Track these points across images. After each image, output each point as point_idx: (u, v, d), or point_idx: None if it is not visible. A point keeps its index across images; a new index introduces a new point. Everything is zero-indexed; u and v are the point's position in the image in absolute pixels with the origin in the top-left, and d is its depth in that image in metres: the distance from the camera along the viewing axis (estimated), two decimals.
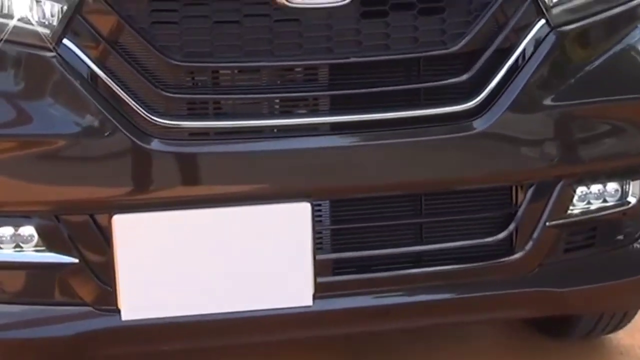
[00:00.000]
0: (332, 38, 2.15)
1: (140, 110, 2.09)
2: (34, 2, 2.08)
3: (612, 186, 2.42)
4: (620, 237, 2.47)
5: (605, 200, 2.43)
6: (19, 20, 2.08)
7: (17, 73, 2.13)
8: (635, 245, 2.48)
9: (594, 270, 2.46)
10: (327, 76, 2.19)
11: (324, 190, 2.21)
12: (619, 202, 2.44)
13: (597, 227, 2.45)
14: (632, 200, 2.44)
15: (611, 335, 3.03)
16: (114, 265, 2.13)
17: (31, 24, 2.08)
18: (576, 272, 2.43)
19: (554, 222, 2.35)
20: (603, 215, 2.41)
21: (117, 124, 2.08)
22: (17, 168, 2.11)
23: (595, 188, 2.40)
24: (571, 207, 2.39)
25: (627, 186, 2.44)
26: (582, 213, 2.41)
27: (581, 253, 2.44)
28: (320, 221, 2.22)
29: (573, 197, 2.37)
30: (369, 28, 2.17)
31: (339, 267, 2.27)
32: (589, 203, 2.41)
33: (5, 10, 2.09)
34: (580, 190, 2.39)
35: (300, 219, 2.17)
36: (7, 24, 2.07)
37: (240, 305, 2.21)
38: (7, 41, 2.08)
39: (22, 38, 2.08)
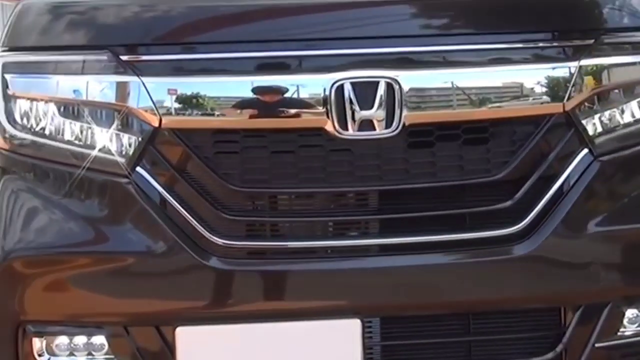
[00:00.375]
0: (381, 166, 2.33)
1: (204, 231, 2.29)
2: (114, 134, 2.33)
3: None
4: None
5: None
6: (99, 150, 2.34)
7: (95, 196, 2.38)
8: None
9: None
10: (377, 201, 2.35)
11: (373, 308, 2.34)
12: None
13: None
14: None
15: None
16: None
17: (110, 153, 2.33)
18: None
19: (603, 344, 2.41)
20: None
21: (182, 244, 2.28)
22: (93, 282, 2.33)
23: None
24: (622, 329, 2.45)
25: None
26: (634, 335, 2.47)
27: None
28: (371, 337, 2.35)
29: (622, 319, 2.44)
30: (416, 157, 2.34)
31: None
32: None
33: (88, 142, 2.35)
34: (631, 312, 2.45)
35: (351, 335, 2.30)
36: (89, 154, 2.33)
37: None
38: (88, 168, 2.34)
39: (101, 166, 2.33)
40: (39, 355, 2.39)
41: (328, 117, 2.28)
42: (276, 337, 2.32)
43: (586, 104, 2.41)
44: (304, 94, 2.29)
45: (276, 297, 2.35)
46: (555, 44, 2.41)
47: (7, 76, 2.41)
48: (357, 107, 2.27)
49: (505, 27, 2.44)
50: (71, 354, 2.39)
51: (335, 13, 2.42)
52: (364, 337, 2.31)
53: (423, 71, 2.33)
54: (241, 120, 2.30)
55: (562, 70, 2.38)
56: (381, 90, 2.28)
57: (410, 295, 2.35)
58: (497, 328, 2.41)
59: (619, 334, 2.45)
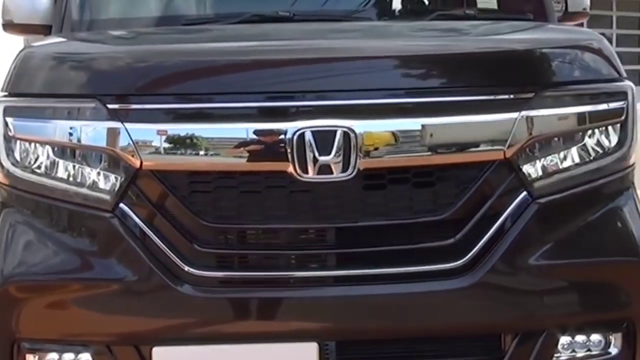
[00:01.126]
0: (338, 206, 2.58)
1: (178, 262, 2.56)
2: (101, 174, 2.61)
3: (595, 337, 2.72)
4: None
5: (589, 350, 2.72)
6: (87, 187, 2.62)
7: (83, 229, 2.66)
8: None
9: None
10: (334, 237, 2.62)
11: (329, 333, 2.60)
12: (602, 351, 2.73)
13: None
14: (613, 351, 2.73)
15: None
16: None
17: (97, 190, 2.61)
18: None
19: None
20: None
21: (159, 272, 2.55)
22: (79, 305, 2.61)
23: (578, 338, 2.71)
24: (556, 354, 2.70)
25: (609, 338, 2.73)
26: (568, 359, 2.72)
27: None
28: (329, 357, 2.60)
29: (557, 345, 2.68)
30: (369, 198, 2.60)
31: None
32: (573, 351, 2.72)
33: (78, 180, 2.63)
34: (564, 339, 2.69)
35: (309, 356, 2.56)
36: (78, 191, 2.62)
37: None
38: (76, 204, 2.63)
39: (89, 202, 2.62)
40: None
41: (290, 161, 2.55)
42: (243, 357, 2.59)
43: (526, 151, 2.64)
44: (269, 141, 2.54)
45: (242, 322, 2.61)
46: (498, 97, 2.64)
47: (8, 119, 2.69)
48: (316, 153, 2.52)
49: (452, 82, 2.69)
50: None
51: (298, 69, 2.68)
52: (320, 358, 2.56)
53: (376, 121, 2.57)
54: (212, 163, 2.57)
55: (503, 120, 2.61)
56: (338, 138, 2.53)
57: (362, 321, 2.60)
58: (442, 352, 2.67)
59: (553, 358, 2.71)
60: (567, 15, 3.77)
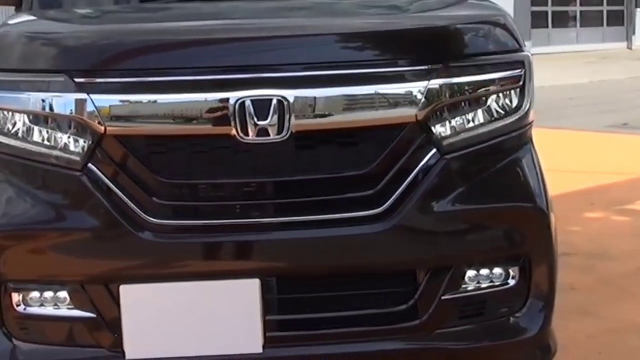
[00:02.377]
0: (274, 163, 3.01)
1: (140, 213, 2.98)
2: (71, 138, 3.02)
3: (496, 271, 3.19)
4: (504, 310, 3.23)
5: (492, 281, 3.20)
6: (60, 150, 3.03)
7: (56, 186, 3.06)
8: (515, 316, 3.24)
9: (483, 334, 3.22)
10: (272, 190, 3.05)
11: (269, 270, 3.04)
12: (503, 282, 3.21)
13: (485, 301, 3.22)
14: (511, 282, 3.21)
15: None
16: (121, 320, 3.00)
17: (69, 152, 3.02)
18: (468, 334, 3.20)
19: (448, 297, 3.13)
20: (487, 293, 3.18)
21: (123, 222, 2.97)
22: (55, 251, 3.04)
23: (482, 272, 3.18)
24: (464, 286, 3.16)
25: (509, 271, 3.21)
26: (473, 290, 3.19)
27: (473, 320, 3.21)
28: (269, 292, 3.05)
29: (464, 278, 3.15)
30: (302, 156, 3.03)
31: (283, 325, 3.09)
32: (479, 283, 3.19)
33: (51, 144, 3.03)
34: (470, 273, 3.16)
35: (253, 290, 3.01)
36: (51, 153, 3.03)
37: (210, 350, 3.04)
38: (50, 164, 3.03)
39: (61, 162, 3.02)
40: (17, 306, 3.07)
41: (234, 126, 2.96)
42: (196, 293, 3.01)
43: (435, 114, 3.06)
44: (215, 108, 2.94)
45: (195, 262, 3.04)
46: (410, 68, 3.05)
47: None
48: (255, 119, 2.94)
49: (371, 56, 3.12)
50: (42, 305, 3.07)
51: (238, 46, 3.08)
52: (262, 292, 3.00)
53: (306, 90, 2.96)
54: (167, 129, 2.97)
55: (416, 87, 3.03)
56: (274, 105, 2.94)
57: (298, 261, 3.04)
58: (366, 285, 3.12)
59: (461, 289, 3.16)
60: None
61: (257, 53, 3.05)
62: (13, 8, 4.01)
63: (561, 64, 22.95)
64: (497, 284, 3.21)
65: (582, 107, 14.51)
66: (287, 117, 2.95)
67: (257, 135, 2.95)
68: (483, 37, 3.25)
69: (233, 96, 2.94)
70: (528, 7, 26.74)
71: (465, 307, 3.19)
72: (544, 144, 10.44)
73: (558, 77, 19.47)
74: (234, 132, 2.95)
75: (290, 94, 2.95)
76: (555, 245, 3.28)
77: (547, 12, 27.76)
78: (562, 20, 28.42)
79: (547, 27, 27.74)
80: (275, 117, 2.94)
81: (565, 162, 8.85)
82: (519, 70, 3.21)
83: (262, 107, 2.94)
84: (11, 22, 3.40)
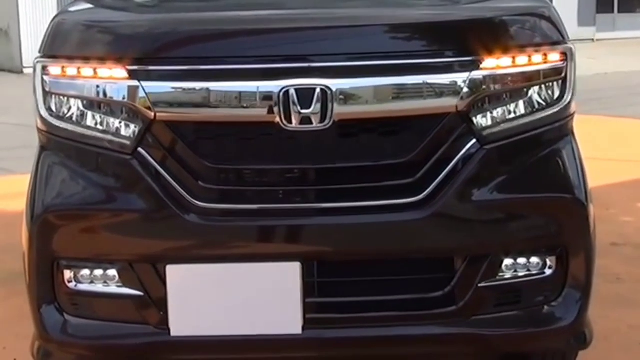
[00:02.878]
0: (317, 150, 3.10)
1: (186, 196, 3.10)
2: (123, 123, 3.15)
3: (533, 260, 3.24)
4: (540, 298, 3.28)
5: (529, 270, 3.25)
6: (112, 134, 3.16)
7: (108, 168, 3.20)
8: (551, 305, 3.28)
9: (519, 322, 3.28)
10: (315, 176, 3.14)
11: (311, 254, 3.14)
12: (540, 272, 3.26)
13: (521, 290, 3.27)
14: (548, 272, 3.26)
15: None
16: (167, 299, 3.13)
17: (120, 137, 3.15)
18: (504, 321, 3.26)
19: (484, 284, 3.19)
20: (524, 281, 3.24)
21: (170, 204, 3.09)
22: (106, 230, 3.18)
23: (519, 261, 3.23)
24: (500, 274, 3.22)
25: (546, 261, 3.26)
26: (510, 278, 3.24)
27: (509, 308, 3.27)
28: (309, 275, 3.13)
29: (501, 266, 3.20)
30: (344, 144, 3.12)
31: (322, 307, 3.18)
32: (515, 271, 3.25)
33: (104, 128, 3.17)
34: (507, 261, 3.22)
35: (294, 273, 3.11)
36: (104, 137, 3.16)
37: (252, 330, 3.15)
38: (102, 147, 3.17)
39: (113, 146, 3.15)
40: (69, 282, 3.22)
41: (277, 113, 3.05)
42: (239, 274, 3.13)
43: (476, 104, 3.12)
44: (260, 96, 3.04)
45: (239, 245, 3.15)
46: (453, 58, 3.12)
47: (45, 77, 3.23)
48: (299, 107, 3.04)
49: (413, 45, 3.19)
50: (92, 282, 3.22)
51: (284, 36, 3.18)
52: (303, 275, 3.10)
53: (349, 80, 3.05)
54: (214, 115, 3.08)
55: (458, 78, 3.09)
56: (317, 94, 3.02)
57: (339, 246, 3.14)
58: (405, 270, 3.20)
59: (497, 277, 3.22)
60: None
61: (300, 43, 3.14)
62: None
63: (627, 50, 22.59)
64: (533, 272, 3.25)
65: None
66: (330, 105, 3.03)
67: (300, 123, 3.05)
68: (526, 28, 3.30)
69: (277, 85, 3.03)
70: None
71: (501, 295, 3.25)
72: (603, 133, 10.41)
73: (623, 64, 19.19)
74: (277, 119, 3.04)
75: (333, 83, 3.03)
76: (593, 236, 3.31)
77: None
78: (628, 5, 27.94)
79: (613, 12, 27.32)
80: (318, 105, 3.03)
81: (622, 151, 8.79)
82: (561, 62, 3.25)
83: (305, 95, 3.03)
84: (70, 9, 3.54)
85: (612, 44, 24.48)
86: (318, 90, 3.03)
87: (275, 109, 3.03)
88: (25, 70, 18.77)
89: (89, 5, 3.67)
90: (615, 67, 18.44)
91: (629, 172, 7.83)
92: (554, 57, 3.25)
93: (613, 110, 11.71)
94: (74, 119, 3.20)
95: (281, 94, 3.03)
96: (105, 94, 3.15)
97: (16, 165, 8.62)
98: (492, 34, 3.23)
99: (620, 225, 6.04)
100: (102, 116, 3.18)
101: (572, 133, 3.38)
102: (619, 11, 27.51)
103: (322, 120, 3.05)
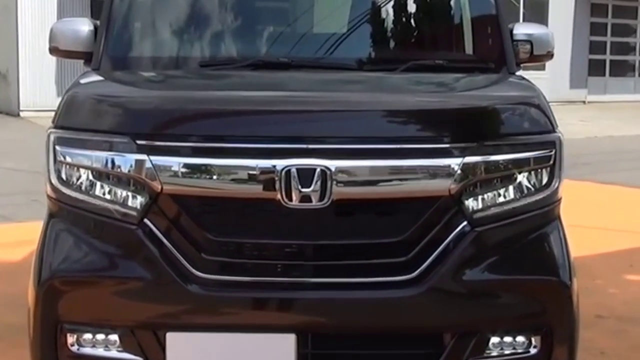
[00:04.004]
0: (316, 227, 3.24)
1: (188, 267, 3.22)
2: (129, 194, 3.28)
3: (519, 338, 3.36)
4: None
5: (514, 348, 3.38)
6: (119, 204, 3.29)
7: (113, 237, 3.33)
8: None
9: None
10: (312, 252, 3.28)
11: (306, 326, 3.26)
12: (525, 350, 3.38)
13: None
14: (533, 350, 3.38)
15: None
16: None
17: (127, 207, 3.28)
18: None
19: None
20: (510, 359, 3.36)
21: (172, 274, 3.22)
22: (109, 297, 3.30)
23: (505, 339, 3.35)
24: (487, 351, 3.35)
25: (531, 339, 3.39)
26: (497, 356, 3.36)
27: None
28: (304, 346, 3.25)
29: (488, 343, 3.33)
30: (341, 222, 3.26)
31: None
32: (502, 349, 3.37)
33: (111, 198, 3.31)
34: (494, 339, 3.34)
35: (289, 344, 3.23)
36: (111, 207, 3.30)
37: None
38: (108, 217, 3.30)
39: (119, 216, 3.29)
40: (71, 346, 3.33)
41: (279, 191, 3.19)
42: (237, 343, 3.25)
43: (468, 188, 3.27)
44: (263, 174, 3.18)
45: (238, 315, 3.27)
46: (446, 144, 3.27)
47: (57, 147, 3.38)
48: (299, 186, 3.18)
49: (409, 132, 3.36)
50: (94, 346, 3.33)
51: (286, 118, 3.35)
52: (298, 346, 3.22)
53: (348, 162, 3.19)
54: (218, 190, 3.22)
55: (450, 163, 3.24)
56: (317, 174, 3.16)
57: (333, 319, 3.26)
58: (396, 345, 3.32)
59: (484, 354, 3.34)
60: (533, 57, 4.35)
61: (302, 125, 3.30)
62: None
63: (618, 114, 22.88)
64: (519, 351, 3.39)
65: (638, 160, 14.49)
66: (329, 185, 3.18)
67: (300, 201, 3.19)
68: (518, 117, 3.47)
69: (279, 164, 3.18)
70: (586, 54, 26.78)
71: None
72: (591, 200, 10.48)
73: (614, 128, 19.44)
74: (279, 196, 3.18)
75: (333, 164, 3.18)
76: (577, 316, 3.44)
77: (604, 60, 27.75)
78: (619, 69, 28.38)
79: (604, 75, 27.74)
80: (318, 184, 3.17)
81: (610, 219, 8.91)
82: (550, 150, 3.41)
83: (305, 175, 3.18)
84: (82, 81, 3.70)
85: (603, 106, 24.80)
86: (318, 170, 3.17)
87: (277, 187, 3.17)
88: (22, 114, 18.98)
89: (100, 78, 3.83)
90: (605, 130, 18.68)
91: (615, 242, 7.95)
92: (544, 145, 3.41)
93: (602, 175, 11.87)
94: (83, 188, 3.34)
95: (283, 172, 3.17)
96: (113, 166, 3.29)
97: (14, 212, 8.72)
98: (485, 122, 3.40)
99: (605, 296, 6.15)
100: (110, 186, 3.31)
101: (559, 217, 3.53)
102: (610, 74, 27.91)
103: (321, 199, 3.19)
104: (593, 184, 11.01)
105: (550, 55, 4.44)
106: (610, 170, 12.68)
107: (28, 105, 19.11)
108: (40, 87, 19.04)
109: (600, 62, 27.64)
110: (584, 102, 25.85)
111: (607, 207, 9.68)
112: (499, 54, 4.14)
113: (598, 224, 8.59)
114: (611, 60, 28.06)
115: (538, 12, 23.60)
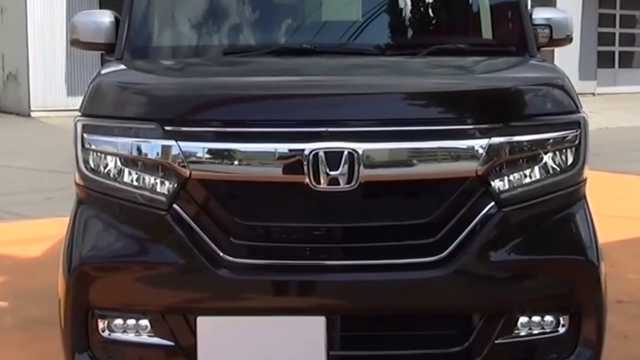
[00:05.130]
0: (344, 210, 3.26)
1: (218, 251, 3.24)
2: (158, 180, 3.30)
3: (547, 318, 3.38)
4: (553, 355, 3.42)
5: (543, 328, 3.39)
6: (148, 190, 3.31)
7: (143, 223, 3.35)
8: None
9: None
10: (340, 234, 3.30)
11: (335, 309, 3.28)
12: (553, 329, 3.40)
13: (536, 347, 3.41)
14: (561, 330, 3.40)
15: None
16: (196, 349, 3.26)
17: (155, 193, 3.30)
18: None
19: (501, 341, 3.33)
20: (538, 339, 3.38)
21: (202, 258, 3.24)
22: (139, 282, 3.32)
23: (534, 319, 3.37)
24: (516, 331, 3.36)
25: (559, 319, 3.40)
26: (525, 335, 3.38)
27: None
28: (333, 329, 3.27)
29: (517, 323, 3.35)
30: (369, 204, 3.28)
31: None
32: (530, 329, 3.38)
33: (140, 184, 3.33)
34: (522, 319, 3.36)
35: (319, 327, 3.24)
36: (140, 193, 3.31)
37: None
38: (137, 203, 3.32)
39: (148, 202, 3.31)
40: (102, 331, 3.36)
41: (307, 174, 3.20)
42: (266, 326, 3.27)
43: (494, 169, 3.28)
44: (291, 158, 3.20)
45: (267, 299, 3.29)
46: (473, 126, 3.29)
47: (85, 135, 3.40)
48: (327, 169, 3.20)
49: (437, 113, 3.37)
50: (124, 331, 3.36)
51: (314, 101, 3.36)
52: (327, 329, 3.23)
53: (375, 144, 3.21)
54: (246, 175, 3.24)
55: (477, 144, 3.26)
56: (344, 157, 3.18)
57: (363, 302, 3.28)
58: (425, 326, 3.33)
59: (513, 334, 3.35)
60: (552, 41, 4.37)
61: (330, 108, 3.31)
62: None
63: (627, 106, 22.84)
64: (547, 330, 3.40)
65: None
66: (357, 168, 3.19)
67: (328, 184, 3.20)
68: (542, 98, 3.48)
69: (307, 147, 3.19)
70: (594, 46, 26.74)
71: (516, 351, 3.38)
72: (606, 189, 10.50)
73: (624, 119, 19.42)
74: (307, 180, 3.20)
75: (360, 147, 3.19)
76: (605, 295, 3.45)
77: (613, 52, 27.71)
78: (628, 61, 28.33)
79: (613, 67, 27.70)
80: (346, 167, 3.19)
81: (625, 208, 8.93)
82: (575, 131, 3.42)
83: (333, 158, 3.19)
84: (104, 71, 3.72)
85: (612, 98, 24.77)
86: (346, 153, 3.19)
87: (305, 170, 3.19)
88: (33, 114, 19.05)
89: (124, 67, 3.84)
90: (616, 121, 18.65)
91: (631, 230, 7.95)
92: (569, 126, 3.42)
93: (615, 165, 11.86)
94: (111, 175, 3.36)
95: (311, 156, 3.18)
96: (141, 152, 3.31)
97: (29, 209, 8.78)
98: (510, 103, 3.41)
99: (625, 282, 6.16)
100: (139, 173, 3.33)
101: (585, 197, 3.54)
102: (620, 66, 27.87)
103: (349, 181, 3.20)
104: (607, 174, 11.01)
105: (569, 39, 4.44)
106: (622, 161, 12.68)
107: (38, 105, 19.19)
108: (50, 87, 19.10)
109: (609, 54, 27.61)
110: (593, 93, 25.80)
111: (621, 196, 9.67)
112: (520, 37, 4.15)
113: (612, 212, 8.59)
114: (620, 52, 28.03)
115: (546, 4, 23.54)
